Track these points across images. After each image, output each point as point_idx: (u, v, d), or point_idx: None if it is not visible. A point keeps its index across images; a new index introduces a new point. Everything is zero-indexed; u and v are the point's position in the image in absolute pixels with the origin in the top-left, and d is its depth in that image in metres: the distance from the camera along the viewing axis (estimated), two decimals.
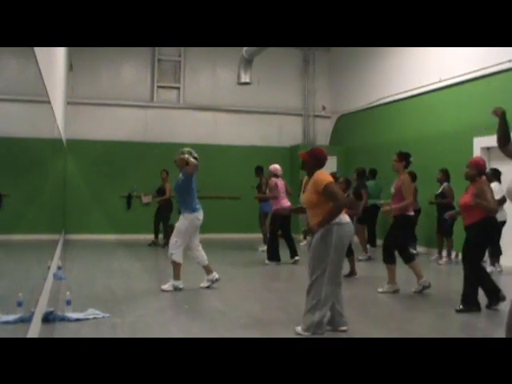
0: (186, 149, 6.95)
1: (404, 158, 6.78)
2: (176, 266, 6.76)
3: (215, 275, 6.98)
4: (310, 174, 4.89)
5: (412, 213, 6.84)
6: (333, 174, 10.22)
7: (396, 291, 6.72)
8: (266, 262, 9.28)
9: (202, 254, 6.95)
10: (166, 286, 6.75)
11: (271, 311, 5.70)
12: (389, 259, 6.74)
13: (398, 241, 6.75)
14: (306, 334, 4.68)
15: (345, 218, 4.78)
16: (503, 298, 5.81)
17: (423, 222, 10.45)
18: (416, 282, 6.76)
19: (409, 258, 6.76)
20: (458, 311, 5.70)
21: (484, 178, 5.87)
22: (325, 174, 4.87)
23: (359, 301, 6.46)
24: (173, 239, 6.81)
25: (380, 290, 6.75)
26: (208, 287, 6.93)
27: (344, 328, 4.90)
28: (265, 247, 10.98)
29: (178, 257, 6.73)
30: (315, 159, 4.90)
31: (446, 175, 9.44)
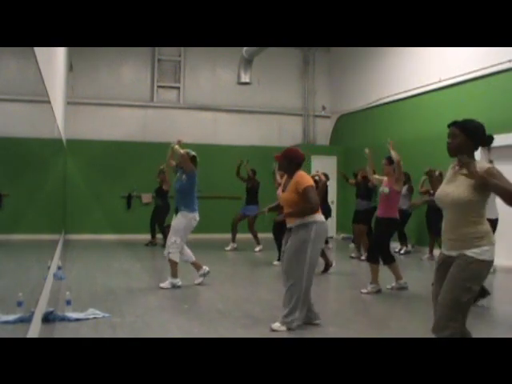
0: (173, 145, 7.03)
1: (393, 161, 6.87)
2: (173, 264, 6.85)
3: (205, 268, 7.14)
4: (290, 175, 4.95)
5: (397, 216, 6.95)
6: (325, 175, 10.18)
7: (379, 291, 6.76)
8: (275, 263, 9.16)
9: (187, 252, 7.06)
10: (164, 284, 6.87)
11: (271, 311, 5.69)
12: (372, 259, 6.84)
13: (380, 241, 6.89)
14: (283, 329, 4.80)
15: (321, 217, 4.92)
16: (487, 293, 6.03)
17: (414, 221, 10.51)
18: (394, 280, 6.99)
19: (389, 260, 6.92)
20: None
21: None
22: (307, 177, 4.93)
23: (359, 301, 6.47)
24: (171, 238, 6.85)
25: (364, 291, 6.76)
26: (201, 283, 7.05)
27: (318, 321, 5.05)
28: (260, 247, 10.98)
29: (175, 256, 6.83)
30: (288, 160, 4.93)
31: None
